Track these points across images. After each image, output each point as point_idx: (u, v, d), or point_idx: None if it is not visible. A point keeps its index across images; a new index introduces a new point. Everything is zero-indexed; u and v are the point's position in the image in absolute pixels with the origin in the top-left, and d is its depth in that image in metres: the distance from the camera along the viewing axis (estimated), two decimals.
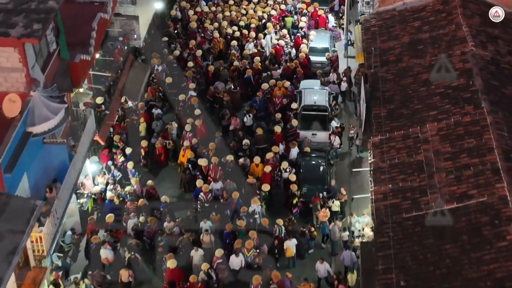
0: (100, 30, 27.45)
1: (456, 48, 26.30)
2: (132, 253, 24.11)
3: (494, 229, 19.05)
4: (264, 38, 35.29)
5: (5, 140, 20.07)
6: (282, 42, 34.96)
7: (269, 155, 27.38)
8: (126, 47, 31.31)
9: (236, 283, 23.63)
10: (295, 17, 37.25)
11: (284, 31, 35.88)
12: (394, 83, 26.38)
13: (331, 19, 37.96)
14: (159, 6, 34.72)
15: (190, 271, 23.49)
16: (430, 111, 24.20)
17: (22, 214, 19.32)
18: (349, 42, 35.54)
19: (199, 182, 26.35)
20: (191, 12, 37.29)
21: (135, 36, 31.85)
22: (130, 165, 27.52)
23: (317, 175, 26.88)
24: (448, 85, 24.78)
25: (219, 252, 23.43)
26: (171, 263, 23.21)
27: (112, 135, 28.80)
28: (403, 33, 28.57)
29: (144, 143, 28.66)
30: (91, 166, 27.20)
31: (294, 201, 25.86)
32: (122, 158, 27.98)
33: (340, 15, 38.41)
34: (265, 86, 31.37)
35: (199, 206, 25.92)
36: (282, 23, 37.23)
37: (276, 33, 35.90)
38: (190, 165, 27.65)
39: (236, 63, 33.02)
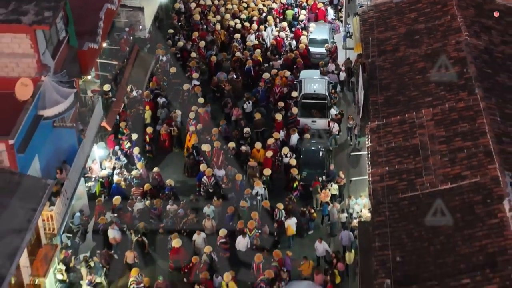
0: (107, 20, 27.92)
1: (451, 38, 26.73)
2: (139, 235, 24.61)
3: (486, 208, 19.48)
4: (265, 30, 35.77)
5: (17, 121, 20.56)
6: (282, 34, 35.44)
7: (270, 141, 27.91)
8: (131, 38, 31.80)
9: (239, 263, 24.08)
10: (296, 9, 37.72)
11: (284, 24, 36.35)
12: (391, 72, 26.82)
13: (330, 12, 38.47)
14: None
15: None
16: (425, 97, 24.63)
17: (34, 192, 19.88)
18: (348, 34, 36.03)
19: (202, 166, 26.86)
20: (193, 5, 37.74)
21: (141, 27, 32.34)
22: (136, 150, 28.06)
23: (317, 160, 27.37)
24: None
25: (222, 232, 23.94)
26: (176, 242, 23.72)
27: (118, 122, 29.30)
28: (400, 24, 28.99)
29: (149, 129, 29.16)
30: (99, 151, 27.72)
31: (295, 185, 26.39)
32: (129, 144, 28.48)
33: (339, 8, 38.92)
34: (266, 75, 31.87)
35: (202, 190, 26.38)
36: (283, 16, 37.72)
37: (276, 25, 36.38)
38: (194, 151, 28.13)
39: (238, 54, 33.50)
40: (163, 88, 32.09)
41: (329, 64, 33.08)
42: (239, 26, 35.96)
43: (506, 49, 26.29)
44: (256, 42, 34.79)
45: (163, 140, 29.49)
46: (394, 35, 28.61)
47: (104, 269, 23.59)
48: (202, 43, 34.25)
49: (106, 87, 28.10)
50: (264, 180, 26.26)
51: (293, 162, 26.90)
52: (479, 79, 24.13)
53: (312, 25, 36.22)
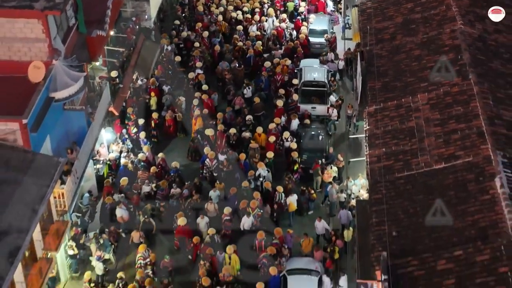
0: (115, 9, 28.52)
1: (446, 26, 27.27)
2: (146, 216, 25.16)
3: (479, 185, 20.05)
4: (266, 22, 36.31)
5: (30, 102, 21.14)
6: (283, 25, 35.98)
7: (272, 126, 28.48)
8: (137, 27, 32.36)
9: (242, 241, 24.59)
10: (296, 1, 38.25)
11: (283, 15, 36.86)
12: (388, 59, 27.36)
13: (330, 3, 39.01)
14: None
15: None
16: (421, 83, 25.17)
17: (47, 170, 20.49)
18: (347, 25, 36.55)
19: (206, 150, 27.43)
20: None
21: (146, 16, 32.90)
22: (142, 135, 28.62)
23: (317, 144, 27.95)
24: (438, 59, 25.72)
25: (227, 210, 24.52)
26: (181, 221, 24.30)
27: (125, 109, 29.85)
28: (397, 14, 29.55)
29: (155, 115, 29.72)
30: (106, 135, 28.27)
31: (295, 167, 26.95)
32: (135, 129, 29.03)
33: (338, 0, 39.41)
34: (267, 64, 32.41)
35: (205, 171, 26.94)
36: (284, 8, 38.24)
37: (277, 16, 36.93)
38: (198, 135, 28.70)
39: (240, 43, 34.05)
40: (168, 76, 32.63)
41: (328, 53, 33.61)
42: (240, 17, 36.47)
43: (499, 37, 26.82)
44: (258, 33, 35.31)
45: (168, 126, 30.03)
46: (391, 25, 29.15)
47: (113, 246, 24.17)
48: (205, 33, 34.78)
49: (114, 74, 28.65)
50: (267, 163, 26.80)
51: (294, 145, 27.50)
52: (473, 65, 24.67)
53: (312, 16, 36.77)
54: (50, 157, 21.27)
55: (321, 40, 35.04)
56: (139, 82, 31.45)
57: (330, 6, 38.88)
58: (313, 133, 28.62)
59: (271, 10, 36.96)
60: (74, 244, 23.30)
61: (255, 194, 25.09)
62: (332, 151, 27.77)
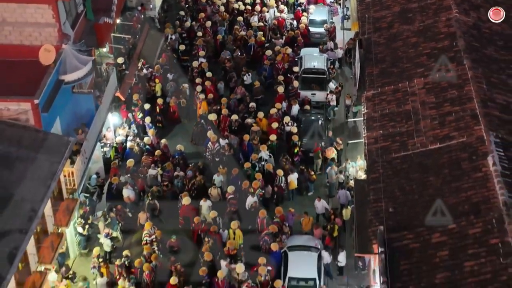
0: None
1: (442, 15, 27.77)
2: (150, 198, 25.73)
3: (472, 163, 20.60)
4: (268, 12, 36.83)
5: (41, 84, 21.71)
6: (284, 15, 36.53)
7: (273, 111, 29.04)
8: (143, 16, 32.91)
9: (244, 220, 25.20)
10: None
11: (282, 7, 37.32)
12: (386, 47, 27.87)
13: None
14: None
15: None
16: (417, 68, 25.67)
17: (58, 148, 21.08)
18: (346, 16, 37.09)
19: (209, 133, 28.00)
20: None
21: (151, 6, 33.45)
22: (147, 119, 29.17)
23: (316, 128, 28.53)
24: (434, 46, 26.35)
25: (230, 189, 25.10)
26: (186, 200, 24.88)
27: (131, 96, 30.39)
28: (394, 3, 30.00)
29: (160, 100, 30.28)
30: (113, 119, 28.84)
31: (296, 150, 27.52)
32: (141, 115, 29.58)
33: None
34: (269, 52, 32.94)
35: (207, 153, 27.52)
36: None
37: (277, 7, 37.46)
38: (202, 120, 29.26)
39: (242, 32, 34.59)
40: (172, 64, 33.17)
41: (328, 42, 34.16)
42: (242, 7, 36.97)
43: (493, 26, 27.23)
44: (261, 24, 35.73)
45: (173, 112, 30.58)
46: (388, 14, 29.66)
47: (120, 224, 24.75)
48: (208, 23, 35.29)
49: (120, 60, 29.23)
50: (270, 145, 27.35)
51: (294, 129, 28.07)
52: (468, 51, 25.17)
53: (312, 7, 37.31)
54: (60, 136, 21.86)
55: (321, 30, 35.58)
56: (144, 71, 31.99)
57: None
58: (313, 117, 29.18)
59: (272, 1, 37.47)
60: (83, 221, 23.88)
61: (257, 175, 25.67)
62: (331, 135, 28.35)
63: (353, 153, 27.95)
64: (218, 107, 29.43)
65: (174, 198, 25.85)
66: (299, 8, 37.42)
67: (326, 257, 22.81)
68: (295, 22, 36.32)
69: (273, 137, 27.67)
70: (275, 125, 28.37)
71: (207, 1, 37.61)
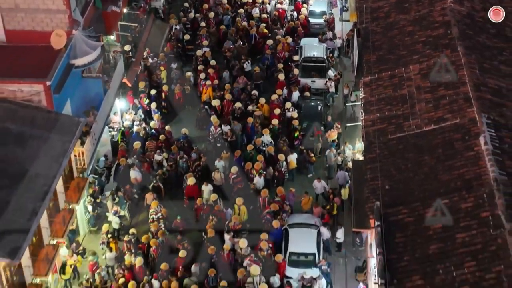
0: None
1: (437, 5, 28.30)
2: (155, 181, 26.34)
3: (465, 143, 21.20)
4: (269, 4, 37.42)
5: (53, 67, 22.33)
6: (285, 7, 37.13)
7: (274, 97, 29.67)
8: (148, 7, 33.52)
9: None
10: None
11: None
12: (383, 35, 28.44)
13: None
14: None
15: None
16: (413, 55, 26.22)
17: (69, 128, 21.74)
18: (344, 8, 37.65)
19: (213, 118, 28.62)
20: None
21: None
22: (153, 105, 29.78)
23: (316, 113, 29.17)
24: (429, 34, 26.95)
25: (234, 169, 25.72)
26: (190, 181, 25.52)
27: (137, 83, 30.99)
28: None
29: (165, 87, 30.90)
30: (120, 104, 29.46)
31: (296, 134, 28.16)
32: (147, 101, 30.20)
33: None
34: (269, 42, 33.54)
35: (210, 137, 28.11)
36: None
37: None
38: (206, 106, 29.88)
39: (244, 23, 35.17)
40: (177, 53, 33.76)
41: (327, 32, 34.78)
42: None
43: (487, 15, 27.92)
44: (264, 15, 36.21)
45: (178, 98, 31.20)
46: (386, 4, 30.19)
47: (127, 203, 25.39)
48: (211, 14, 35.87)
49: (127, 47, 29.85)
50: (271, 129, 27.96)
51: (295, 114, 28.70)
52: (461, 39, 25.74)
53: None
54: (71, 117, 22.51)
55: (320, 21, 36.21)
56: (150, 60, 32.57)
57: None
58: (312, 103, 29.83)
59: None
60: (92, 200, 24.52)
61: (259, 157, 26.30)
62: (330, 119, 28.99)
63: (352, 137, 28.56)
64: (222, 93, 30.03)
65: (179, 179, 26.48)
66: (299, 0, 37.98)
67: (325, 232, 23.46)
68: (295, 13, 36.91)
69: (275, 121, 28.28)
70: (277, 111, 28.95)
71: None
